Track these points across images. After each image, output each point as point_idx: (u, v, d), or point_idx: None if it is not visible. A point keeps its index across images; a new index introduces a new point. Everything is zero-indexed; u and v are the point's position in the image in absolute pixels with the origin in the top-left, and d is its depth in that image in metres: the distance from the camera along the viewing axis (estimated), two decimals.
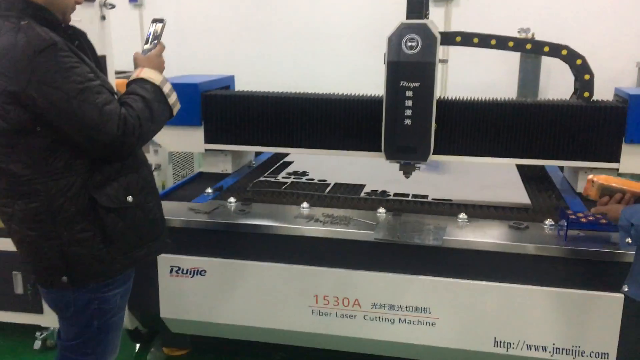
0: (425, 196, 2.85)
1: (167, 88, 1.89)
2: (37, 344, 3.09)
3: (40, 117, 1.65)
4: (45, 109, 1.63)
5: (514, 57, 6.81)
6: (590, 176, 2.09)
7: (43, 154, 1.69)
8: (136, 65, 1.92)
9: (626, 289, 1.86)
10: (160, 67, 1.93)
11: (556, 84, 6.46)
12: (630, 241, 1.78)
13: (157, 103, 1.84)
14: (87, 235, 1.77)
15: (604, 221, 2.23)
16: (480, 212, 2.65)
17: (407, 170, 2.74)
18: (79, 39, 1.83)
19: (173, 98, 1.92)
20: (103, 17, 3.02)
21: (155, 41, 1.98)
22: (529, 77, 6.51)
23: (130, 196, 1.83)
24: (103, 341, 1.94)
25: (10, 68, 1.61)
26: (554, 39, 2.85)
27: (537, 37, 6.12)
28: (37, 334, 3.10)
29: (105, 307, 1.89)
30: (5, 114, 1.64)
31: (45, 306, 3.02)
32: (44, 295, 1.95)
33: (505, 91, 6.29)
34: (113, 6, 3.05)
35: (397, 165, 2.72)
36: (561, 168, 3.36)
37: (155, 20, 2.04)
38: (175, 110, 1.94)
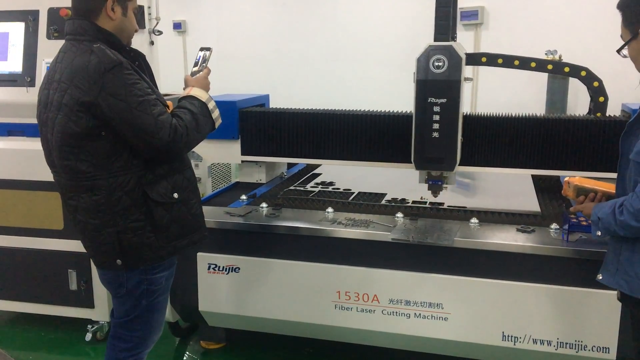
0: (442, 204, 3.07)
1: (211, 105, 2.24)
2: (88, 336, 3.40)
3: (105, 124, 1.97)
4: (110, 117, 1.95)
5: (542, 78, 6.93)
6: (567, 178, 2.25)
7: (106, 154, 2.01)
8: (186, 85, 2.28)
9: (600, 277, 2.05)
10: (206, 87, 2.29)
11: (584, 103, 6.55)
12: (599, 234, 1.97)
13: (202, 117, 2.17)
14: (139, 224, 2.07)
15: None
16: (492, 217, 2.86)
17: (435, 190, 2.90)
18: (138, 59, 2.16)
19: (216, 113, 2.26)
20: (152, 43, 3.38)
21: (204, 64, 2.34)
22: (556, 97, 6.62)
23: (176, 193, 2.13)
24: (150, 319, 2.24)
25: (85, 82, 1.94)
26: (580, 60, 2.94)
27: (564, 59, 6.28)
28: (89, 327, 3.41)
29: (152, 287, 2.19)
30: (77, 120, 1.96)
31: (97, 301, 3.35)
32: (101, 277, 2.25)
33: (533, 110, 6.43)
34: (161, 32, 3.41)
35: (417, 175, 2.89)
36: None
37: (203, 48, 2.40)
38: (217, 124, 2.28)
